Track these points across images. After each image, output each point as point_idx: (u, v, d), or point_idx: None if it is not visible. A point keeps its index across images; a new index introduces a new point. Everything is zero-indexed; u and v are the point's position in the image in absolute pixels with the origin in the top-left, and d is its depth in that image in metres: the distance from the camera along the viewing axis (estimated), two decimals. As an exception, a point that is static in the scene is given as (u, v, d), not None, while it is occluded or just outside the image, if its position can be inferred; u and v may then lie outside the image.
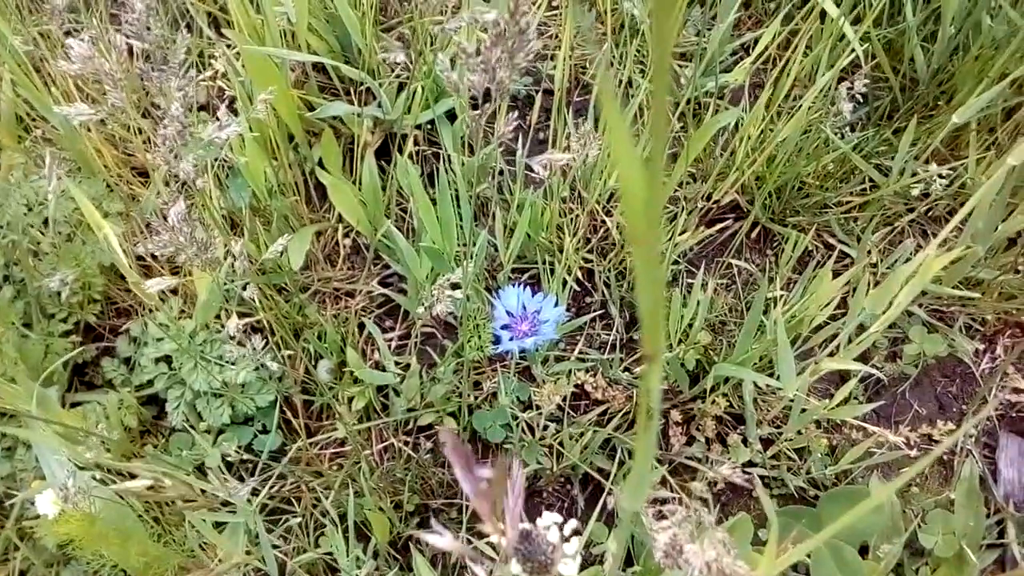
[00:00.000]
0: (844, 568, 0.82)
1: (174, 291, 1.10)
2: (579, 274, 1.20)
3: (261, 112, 0.72)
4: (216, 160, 1.06)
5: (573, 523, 0.39)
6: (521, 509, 0.34)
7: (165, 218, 0.47)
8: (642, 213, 0.26)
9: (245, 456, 1.04)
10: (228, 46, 1.09)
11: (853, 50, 1.09)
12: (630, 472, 0.37)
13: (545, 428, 1.07)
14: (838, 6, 1.09)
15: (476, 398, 1.11)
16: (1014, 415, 1.18)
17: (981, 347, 1.21)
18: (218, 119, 0.51)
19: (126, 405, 1.02)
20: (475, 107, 1.29)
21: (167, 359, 1.01)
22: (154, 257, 1.13)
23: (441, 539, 0.31)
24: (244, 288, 0.62)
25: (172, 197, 0.49)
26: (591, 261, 1.20)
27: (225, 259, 0.76)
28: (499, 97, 0.50)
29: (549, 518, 0.38)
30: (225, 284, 0.96)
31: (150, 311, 1.06)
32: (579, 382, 1.10)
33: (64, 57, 0.46)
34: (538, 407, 1.02)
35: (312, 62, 1.16)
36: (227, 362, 0.99)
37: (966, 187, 1.21)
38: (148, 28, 0.46)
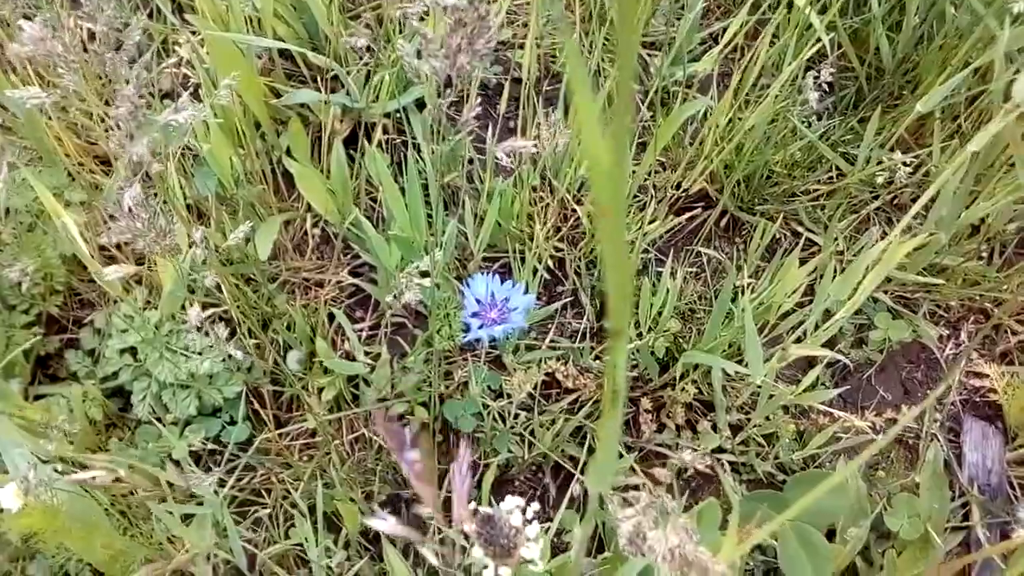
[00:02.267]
0: (810, 551, 0.83)
1: (139, 281, 1.08)
2: (550, 263, 1.20)
3: (224, 98, 0.71)
4: (181, 148, 1.04)
5: (535, 506, 0.39)
6: (469, 491, 0.34)
7: (120, 204, 0.47)
8: (607, 184, 0.26)
9: (214, 447, 1.03)
10: (193, 32, 1.08)
11: (819, 39, 1.10)
12: (596, 453, 0.37)
13: (516, 416, 1.07)
14: (805, -5, 1.10)
15: (447, 387, 1.10)
16: (978, 399, 1.20)
17: (945, 333, 1.23)
18: (166, 108, 0.50)
19: (90, 397, 1.00)
20: (446, 87, 1.28)
21: (132, 350, 1.00)
22: (119, 247, 1.11)
23: (385, 523, 0.31)
24: (206, 277, 0.61)
25: (128, 181, 0.48)
26: (562, 250, 1.21)
27: (190, 247, 0.74)
28: (460, 83, 0.49)
29: (512, 502, 0.38)
30: (190, 274, 0.95)
31: (114, 302, 1.04)
32: (550, 370, 1.10)
33: (17, 39, 0.45)
34: (509, 396, 1.02)
35: (279, 49, 1.15)
36: (194, 353, 0.98)
37: (930, 175, 1.23)
38: (102, 9, 0.44)
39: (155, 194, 1.00)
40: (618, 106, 0.26)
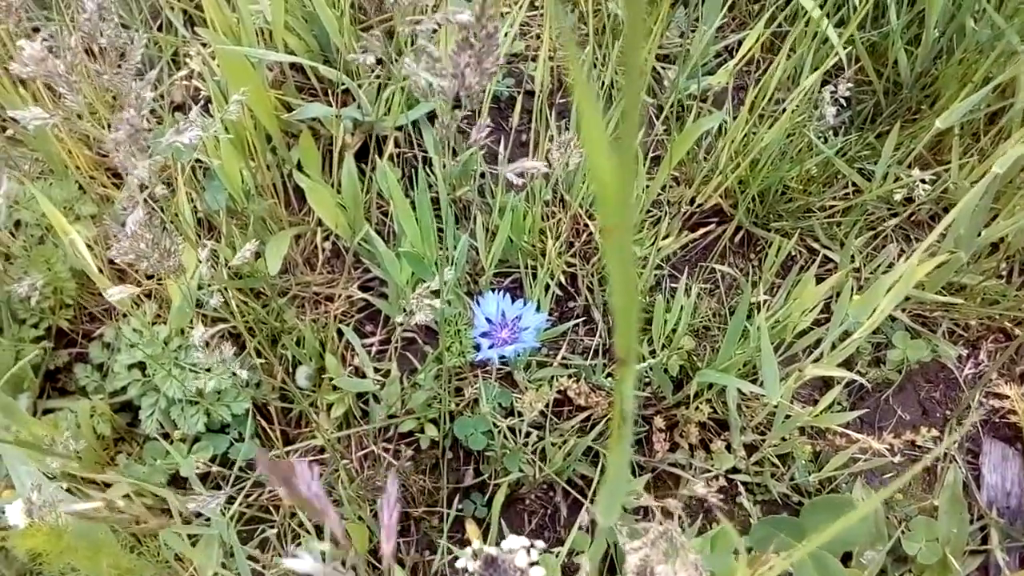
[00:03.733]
0: (827, 578, 0.81)
1: (149, 295, 1.08)
2: (562, 279, 1.19)
3: (234, 113, 0.70)
4: (191, 162, 1.04)
5: (541, 544, 0.37)
6: (396, 522, 0.33)
7: (123, 225, 0.46)
8: (613, 202, 0.25)
9: (222, 464, 1.02)
10: (204, 45, 1.07)
11: (836, 53, 1.09)
12: (604, 484, 0.36)
13: (527, 435, 1.06)
14: (821, 8, 1.08)
15: (458, 404, 1.09)
16: (997, 420, 1.18)
17: (964, 352, 1.21)
18: (177, 122, 0.49)
19: (99, 412, 0.99)
20: (455, 108, 1.26)
21: (141, 365, 0.99)
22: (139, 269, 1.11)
23: (301, 563, 0.30)
24: (212, 296, 0.60)
25: (131, 203, 0.47)
26: (574, 266, 1.19)
27: (200, 263, 0.74)
28: (468, 103, 0.48)
29: (516, 541, 0.37)
30: (200, 289, 0.94)
31: (124, 316, 1.04)
32: (562, 388, 1.09)
33: (17, 59, 0.44)
34: (520, 414, 1.01)
35: (290, 62, 1.14)
36: (203, 369, 0.97)
37: (949, 192, 1.21)
38: (101, 31, 0.43)
39: (161, 208, 1.00)
40: (625, 127, 0.25)
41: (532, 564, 0.39)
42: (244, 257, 0.60)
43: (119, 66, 0.44)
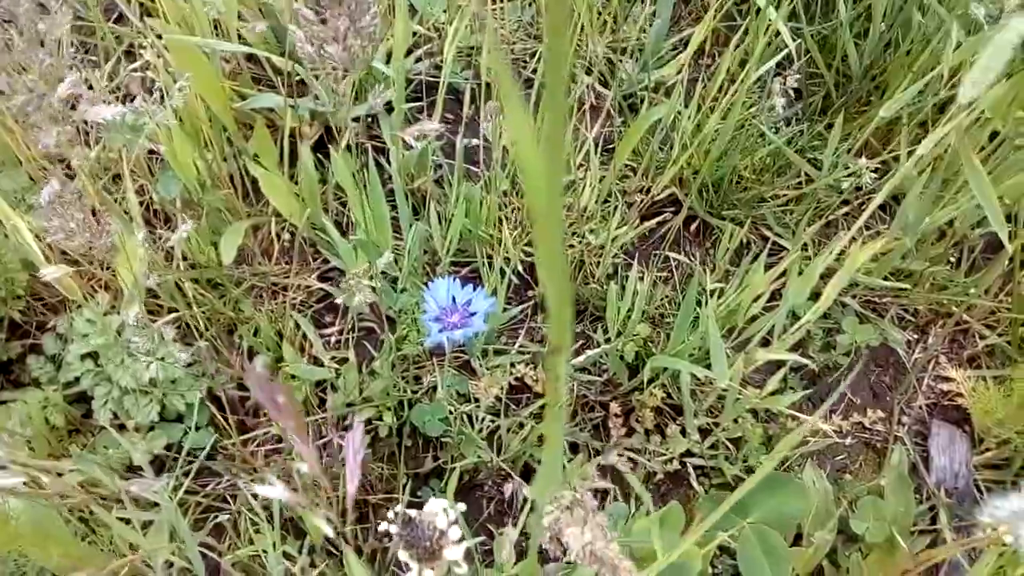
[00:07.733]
0: (770, 553, 0.83)
1: (104, 286, 1.07)
2: (520, 267, 1.20)
3: (178, 101, 0.70)
4: (139, 150, 1.04)
5: (461, 507, 0.39)
6: (359, 465, 0.34)
7: (63, 203, 0.46)
8: (542, 191, 0.26)
9: (177, 454, 1.02)
10: (158, 36, 1.07)
11: (786, 45, 1.11)
12: (541, 464, 0.37)
13: (483, 420, 1.07)
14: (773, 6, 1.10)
15: (415, 392, 1.10)
16: (945, 403, 1.20)
17: (913, 337, 1.23)
18: (89, 96, 0.49)
19: (52, 403, 0.99)
20: (415, 99, 1.26)
21: (94, 356, 0.99)
22: (82, 253, 1.10)
23: (274, 490, 0.31)
24: (149, 278, 0.61)
25: (49, 175, 0.47)
26: (532, 255, 1.20)
27: (145, 249, 0.74)
28: (355, 69, 0.49)
29: (436, 504, 0.38)
30: (159, 276, 0.94)
31: (77, 307, 1.04)
32: (519, 375, 1.10)
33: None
34: (476, 400, 1.02)
35: (247, 53, 1.15)
36: (155, 357, 0.97)
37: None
38: (21, 6, 0.44)
39: (84, 188, 0.99)
40: (550, 108, 0.25)
41: (452, 524, 0.40)
42: (180, 238, 0.61)
43: (41, 43, 0.45)
